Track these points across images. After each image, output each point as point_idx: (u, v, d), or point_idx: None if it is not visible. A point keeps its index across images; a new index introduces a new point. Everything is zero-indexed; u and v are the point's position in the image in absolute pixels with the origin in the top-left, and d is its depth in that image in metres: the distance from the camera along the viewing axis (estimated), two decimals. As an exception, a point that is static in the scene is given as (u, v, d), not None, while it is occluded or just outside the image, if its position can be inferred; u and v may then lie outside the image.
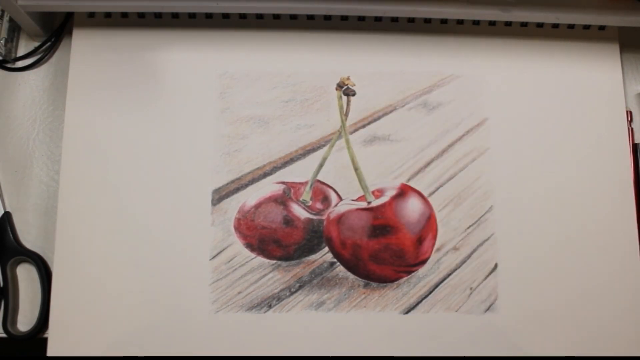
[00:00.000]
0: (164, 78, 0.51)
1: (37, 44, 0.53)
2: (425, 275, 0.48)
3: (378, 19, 0.52)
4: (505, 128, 0.51)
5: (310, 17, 0.52)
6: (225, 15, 0.52)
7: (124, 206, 0.48)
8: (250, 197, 0.49)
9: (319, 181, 0.49)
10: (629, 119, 0.52)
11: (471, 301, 0.48)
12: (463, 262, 0.49)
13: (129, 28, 0.52)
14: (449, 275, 0.48)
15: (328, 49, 0.52)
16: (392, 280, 0.48)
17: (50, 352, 0.46)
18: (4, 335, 0.48)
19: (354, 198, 0.49)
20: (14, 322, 0.49)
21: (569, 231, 0.49)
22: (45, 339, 0.47)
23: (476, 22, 0.52)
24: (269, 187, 0.49)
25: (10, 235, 0.49)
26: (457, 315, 0.48)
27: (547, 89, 0.52)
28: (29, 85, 0.53)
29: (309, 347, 0.47)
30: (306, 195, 0.49)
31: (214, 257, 0.48)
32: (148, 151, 0.49)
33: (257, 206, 0.49)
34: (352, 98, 0.51)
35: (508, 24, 0.52)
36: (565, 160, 0.50)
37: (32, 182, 0.51)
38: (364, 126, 0.50)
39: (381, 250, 0.48)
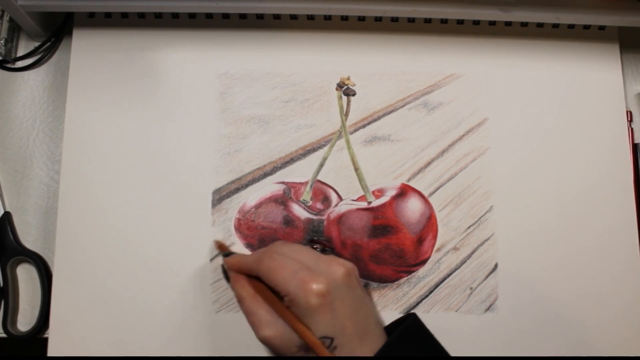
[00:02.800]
0: (164, 78, 0.51)
1: (37, 44, 0.53)
2: (425, 275, 0.48)
3: (378, 19, 0.52)
4: (505, 128, 0.51)
5: (310, 17, 0.52)
6: (225, 15, 0.52)
7: (124, 206, 0.48)
8: (251, 197, 0.49)
9: (319, 181, 0.49)
10: (629, 119, 0.52)
11: (471, 301, 0.48)
12: (463, 262, 0.49)
13: (129, 28, 0.51)
14: (449, 275, 0.48)
15: (328, 49, 0.52)
16: (392, 280, 0.48)
17: (50, 352, 0.46)
18: (4, 335, 0.48)
19: (354, 198, 0.49)
20: (14, 322, 0.49)
21: (569, 231, 0.49)
22: (46, 339, 0.47)
23: (476, 22, 0.52)
24: (269, 187, 0.49)
25: (10, 235, 0.49)
26: (457, 315, 0.48)
27: (547, 88, 0.52)
28: (29, 85, 0.53)
29: (309, 347, 0.47)
30: (306, 195, 0.49)
31: (214, 257, 0.48)
32: (148, 151, 0.49)
33: (258, 206, 0.49)
34: (352, 98, 0.51)
35: (508, 24, 0.52)
36: (565, 160, 0.50)
37: (32, 182, 0.51)
38: (364, 126, 0.50)
39: (381, 250, 0.48)
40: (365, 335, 0.38)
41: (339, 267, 0.39)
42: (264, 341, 0.39)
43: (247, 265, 0.41)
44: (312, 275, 0.37)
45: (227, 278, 0.43)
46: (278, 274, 0.38)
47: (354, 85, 0.51)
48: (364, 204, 0.49)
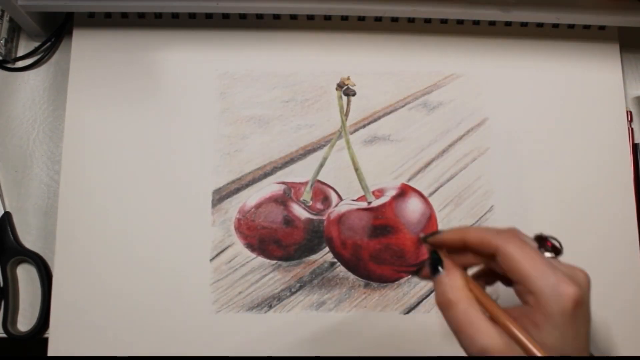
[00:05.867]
0: (164, 78, 0.51)
1: (37, 44, 0.53)
2: (425, 275, 0.48)
3: (378, 19, 0.52)
4: (505, 128, 0.51)
5: (310, 17, 0.52)
6: (225, 15, 0.52)
7: (124, 206, 0.48)
8: (251, 197, 0.49)
9: (319, 181, 0.49)
10: (629, 119, 0.52)
11: (471, 301, 0.48)
12: (463, 262, 0.48)
13: (129, 28, 0.51)
14: (449, 275, 0.48)
15: (328, 49, 0.52)
16: (393, 280, 0.48)
17: (50, 352, 0.46)
18: (4, 335, 0.47)
19: (355, 198, 0.49)
20: (14, 322, 0.49)
21: (569, 231, 0.49)
22: (46, 339, 0.47)
23: (476, 22, 0.52)
24: (269, 187, 0.49)
25: (10, 235, 0.49)
26: (457, 315, 0.48)
27: (547, 89, 0.52)
28: (29, 85, 0.53)
29: (309, 347, 0.47)
30: (306, 195, 0.49)
31: (214, 257, 0.48)
32: (148, 151, 0.49)
33: (258, 206, 0.49)
34: (352, 98, 0.51)
35: (508, 24, 0.52)
36: (565, 160, 0.50)
37: (32, 182, 0.51)
38: (364, 126, 0.50)
39: (382, 250, 0.48)
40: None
41: (583, 275, 0.32)
42: (482, 353, 0.30)
43: (480, 237, 0.32)
44: (569, 278, 0.30)
45: (435, 270, 0.33)
46: (531, 262, 0.30)
47: (354, 85, 0.51)
48: (364, 204, 0.49)
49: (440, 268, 0.33)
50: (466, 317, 0.31)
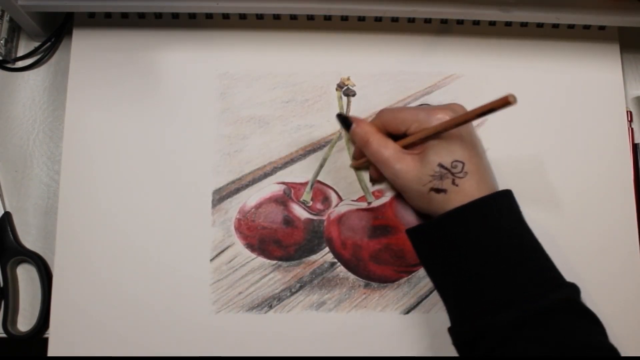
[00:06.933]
0: (164, 78, 0.51)
1: (37, 44, 0.53)
2: (425, 276, 0.48)
3: (378, 19, 0.52)
4: (505, 128, 0.51)
5: (310, 17, 0.52)
6: (225, 16, 0.52)
7: (124, 206, 0.48)
8: (251, 197, 0.49)
9: (319, 182, 0.49)
10: (629, 119, 0.52)
11: (471, 301, 0.48)
12: (463, 262, 0.48)
13: (129, 28, 0.51)
14: (449, 275, 0.48)
15: (328, 49, 0.52)
16: (393, 281, 0.48)
17: (51, 352, 0.46)
18: (4, 335, 0.48)
19: (354, 198, 0.49)
20: (14, 322, 0.49)
21: (569, 231, 0.49)
22: (46, 339, 0.47)
23: (476, 22, 0.52)
24: (269, 187, 0.49)
25: (10, 235, 0.49)
26: (457, 315, 0.48)
27: (547, 89, 0.52)
28: (29, 85, 0.53)
29: (309, 347, 0.47)
30: (306, 195, 0.49)
31: (214, 257, 0.48)
32: (148, 151, 0.49)
33: (258, 206, 0.49)
34: (352, 98, 0.51)
35: (508, 24, 0.52)
36: (565, 160, 0.50)
37: (32, 182, 0.51)
38: (364, 126, 0.50)
39: (381, 250, 0.48)
40: (486, 171, 0.40)
41: (457, 105, 0.41)
42: (399, 174, 0.41)
43: (372, 120, 0.44)
44: (435, 107, 0.41)
45: (347, 127, 0.45)
46: (403, 111, 0.42)
47: (354, 85, 0.51)
48: (364, 205, 0.49)
49: (350, 123, 0.44)
50: (379, 148, 0.42)
